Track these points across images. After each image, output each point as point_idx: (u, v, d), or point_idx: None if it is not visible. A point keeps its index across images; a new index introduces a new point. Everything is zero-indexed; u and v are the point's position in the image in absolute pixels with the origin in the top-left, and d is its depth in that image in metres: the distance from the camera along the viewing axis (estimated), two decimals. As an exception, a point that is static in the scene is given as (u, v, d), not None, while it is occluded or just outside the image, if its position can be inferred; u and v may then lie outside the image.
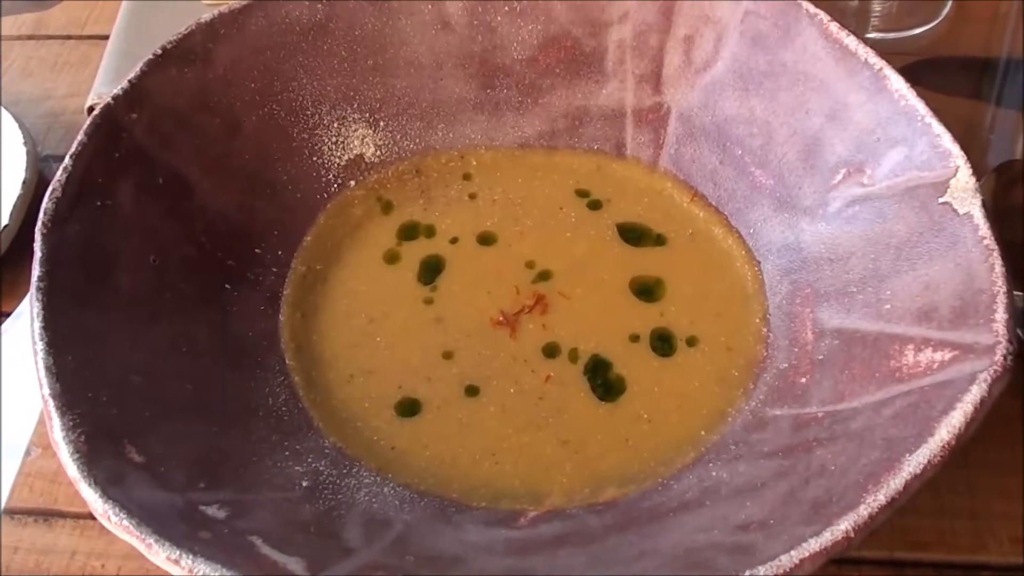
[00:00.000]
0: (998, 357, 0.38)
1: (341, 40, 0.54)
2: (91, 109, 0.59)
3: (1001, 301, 0.40)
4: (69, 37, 0.68)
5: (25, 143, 0.57)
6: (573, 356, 0.49)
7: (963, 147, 0.44)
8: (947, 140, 0.44)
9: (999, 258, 0.41)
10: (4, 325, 0.53)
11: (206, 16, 0.52)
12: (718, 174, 0.54)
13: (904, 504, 0.35)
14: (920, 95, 0.46)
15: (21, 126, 0.58)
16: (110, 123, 0.48)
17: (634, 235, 0.54)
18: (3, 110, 0.59)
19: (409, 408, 0.47)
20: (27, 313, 0.49)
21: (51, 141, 0.61)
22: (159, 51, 0.50)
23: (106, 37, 0.64)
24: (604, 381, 0.48)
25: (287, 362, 0.49)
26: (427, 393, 0.48)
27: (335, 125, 0.55)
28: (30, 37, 0.68)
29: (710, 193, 0.54)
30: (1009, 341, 0.38)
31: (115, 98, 0.48)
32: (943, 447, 0.36)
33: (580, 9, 0.55)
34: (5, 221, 0.54)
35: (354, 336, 0.50)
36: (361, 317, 0.51)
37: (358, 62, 0.55)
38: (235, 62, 0.52)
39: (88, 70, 0.64)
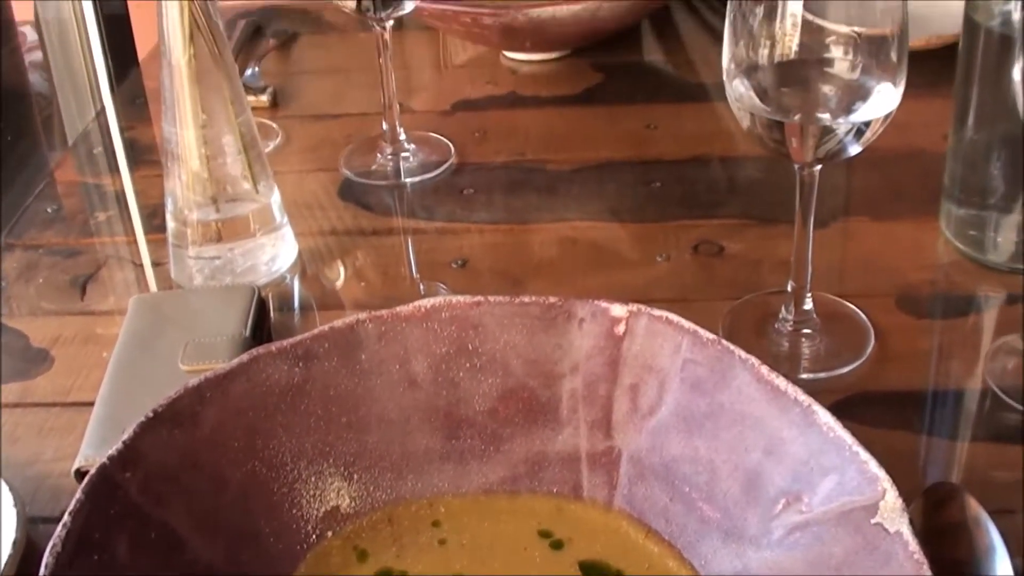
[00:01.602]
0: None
1: (317, 400, 0.59)
2: (78, 472, 0.62)
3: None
4: (54, 404, 0.73)
5: (15, 504, 0.60)
6: None
7: (894, 472, 0.49)
8: (874, 466, 0.49)
9: (929, 570, 0.45)
10: None
11: (193, 381, 0.57)
12: (669, 510, 0.58)
13: None
14: (849, 427, 0.51)
15: (12, 489, 0.61)
16: (106, 482, 0.51)
17: (595, 572, 0.57)
18: (-5, 476, 0.62)
19: None
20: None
21: (38, 503, 0.64)
22: (150, 414, 0.55)
23: (90, 404, 0.68)
24: None
25: None
26: None
27: (312, 479, 0.59)
28: (16, 405, 0.73)
29: (663, 529, 0.58)
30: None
31: (110, 458, 0.52)
32: None
33: (535, 363, 0.60)
34: (-6, 581, 0.56)
35: None
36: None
37: (333, 420, 0.59)
38: (220, 423, 0.56)
39: (73, 435, 0.68)
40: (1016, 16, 0.73)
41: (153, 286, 0.85)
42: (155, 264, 0.87)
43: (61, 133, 1.40)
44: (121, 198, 0.97)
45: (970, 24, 0.76)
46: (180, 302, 0.76)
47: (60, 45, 1.28)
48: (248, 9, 1.29)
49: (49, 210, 0.94)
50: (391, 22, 0.90)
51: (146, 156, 1.03)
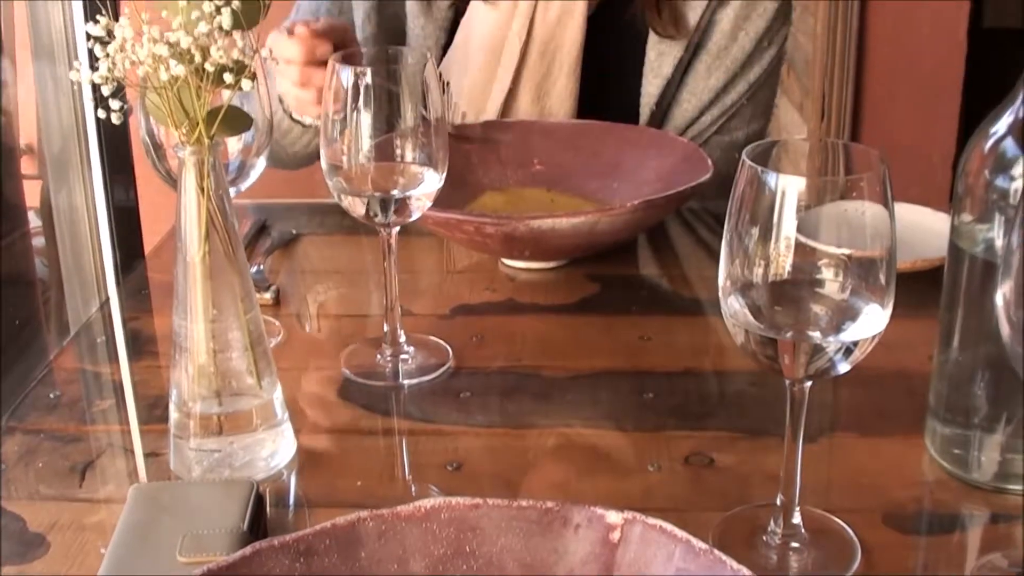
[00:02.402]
0: None
1: (314, 596, 0.60)
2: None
3: None
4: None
5: None
6: None
7: None
8: None
9: None
10: None
11: (196, 572, 0.57)
12: None
13: None
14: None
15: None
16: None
17: None
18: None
19: None
20: None
21: None
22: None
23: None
24: None
25: None
26: None
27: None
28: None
29: None
30: None
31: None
32: None
33: (530, 567, 0.61)
34: None
35: None
36: None
37: (328, 616, 0.60)
38: (218, 615, 0.57)
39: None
40: (999, 243, 0.76)
41: (147, 476, 0.86)
42: (154, 454, 0.88)
43: (63, 320, 1.43)
44: (119, 388, 0.99)
45: (955, 250, 0.79)
46: (179, 493, 0.77)
47: (70, 234, 1.31)
48: (255, 207, 1.33)
49: (51, 396, 0.96)
50: (397, 228, 0.94)
51: (148, 347, 1.05)
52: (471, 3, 1.36)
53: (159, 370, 1.00)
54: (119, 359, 1.04)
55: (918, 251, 1.05)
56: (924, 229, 1.08)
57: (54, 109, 1.30)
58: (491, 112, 1.36)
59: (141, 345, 1.06)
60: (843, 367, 0.67)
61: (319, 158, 0.92)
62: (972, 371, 0.80)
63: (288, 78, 1.18)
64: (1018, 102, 0.79)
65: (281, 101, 1.25)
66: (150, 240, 1.36)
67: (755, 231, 0.66)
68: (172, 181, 0.87)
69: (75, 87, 1.27)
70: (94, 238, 1.31)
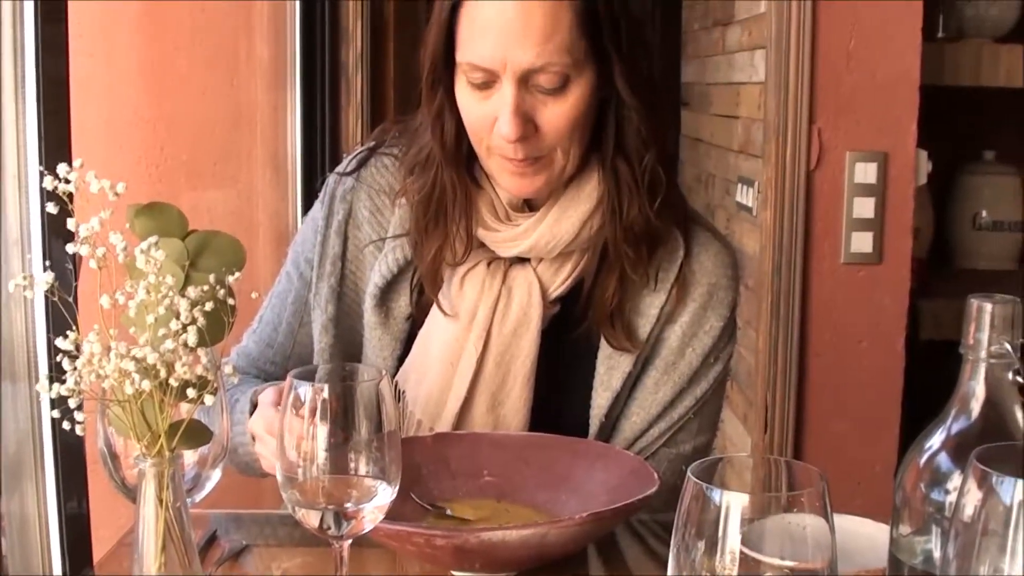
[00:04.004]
0: None
1: None
2: None
3: None
4: None
5: None
6: None
7: None
8: None
9: None
10: None
11: None
12: None
13: None
14: None
15: None
16: None
17: None
18: None
19: None
20: None
21: None
22: None
23: None
24: None
25: None
26: None
27: None
28: None
29: None
30: None
31: None
32: None
33: None
34: None
35: None
36: None
37: None
38: None
39: None
40: (937, 555, 0.78)
41: None
42: None
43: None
44: None
45: (895, 561, 0.81)
46: None
47: (20, 542, 1.30)
48: (204, 517, 1.33)
49: None
50: (349, 540, 0.94)
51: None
52: (429, 315, 1.41)
53: None
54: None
55: (860, 561, 1.06)
56: (866, 539, 1.10)
57: (11, 415, 1.31)
58: (447, 420, 1.39)
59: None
60: None
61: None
62: None
63: (270, 448, 1.21)
64: (951, 418, 0.83)
65: (253, 437, 1.27)
66: (100, 547, 1.34)
67: (701, 544, 0.68)
68: (127, 491, 0.88)
69: (34, 395, 1.29)
70: (44, 547, 1.30)
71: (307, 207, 1.67)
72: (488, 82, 1.27)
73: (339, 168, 1.48)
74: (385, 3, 3.08)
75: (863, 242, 2.21)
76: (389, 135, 1.47)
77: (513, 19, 1.24)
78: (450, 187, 1.37)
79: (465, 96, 1.30)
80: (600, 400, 1.40)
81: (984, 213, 2.60)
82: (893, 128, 2.19)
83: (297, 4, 2.79)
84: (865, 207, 2.20)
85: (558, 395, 1.42)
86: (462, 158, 1.37)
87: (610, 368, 1.40)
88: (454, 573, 1.18)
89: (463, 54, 1.28)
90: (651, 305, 1.39)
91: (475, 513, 1.25)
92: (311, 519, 0.93)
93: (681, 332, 1.40)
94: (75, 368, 0.75)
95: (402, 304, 1.42)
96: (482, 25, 1.25)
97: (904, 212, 2.22)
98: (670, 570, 0.70)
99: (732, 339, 1.45)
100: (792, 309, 2.23)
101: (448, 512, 1.25)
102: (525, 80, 1.25)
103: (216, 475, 1.01)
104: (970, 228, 2.61)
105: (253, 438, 1.28)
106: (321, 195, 1.47)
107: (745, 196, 2.53)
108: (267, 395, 1.26)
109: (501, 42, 1.24)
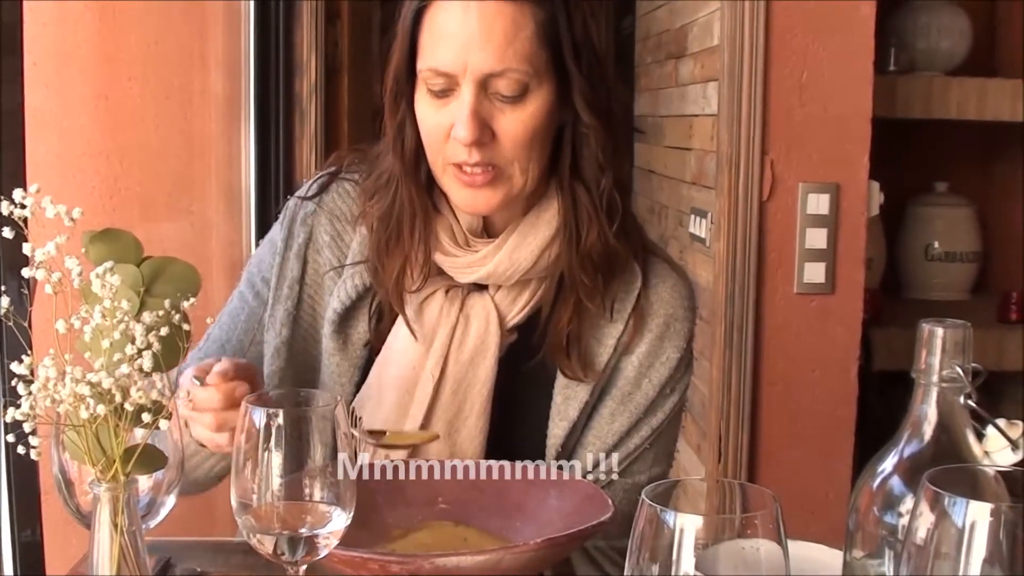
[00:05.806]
0: None
1: None
2: None
3: None
4: None
5: None
6: None
7: None
8: None
9: None
10: None
11: None
12: None
13: None
14: None
15: None
16: None
17: None
18: None
19: None
20: None
21: None
22: None
23: None
24: None
25: None
26: None
27: None
28: None
29: None
30: None
31: None
32: None
33: None
34: None
35: None
36: None
37: None
38: None
39: None
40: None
41: None
42: None
43: None
44: None
45: (848, 587, 0.82)
46: None
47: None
48: (157, 544, 1.31)
49: None
50: (304, 566, 0.94)
51: None
52: (387, 342, 1.41)
53: None
54: None
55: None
56: (821, 566, 1.11)
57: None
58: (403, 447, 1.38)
59: None
60: None
61: (219, 481, 0.94)
62: None
63: (203, 424, 1.20)
64: (903, 441, 0.84)
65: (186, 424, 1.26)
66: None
67: (655, 568, 0.69)
68: (82, 517, 0.87)
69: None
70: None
71: (261, 238, 1.66)
72: (448, 89, 1.28)
73: (300, 192, 1.48)
74: (340, 35, 3.08)
75: (816, 272, 2.24)
76: (346, 161, 1.48)
77: (475, 23, 1.25)
78: (408, 205, 1.37)
79: (424, 105, 1.31)
80: (556, 430, 1.40)
81: (936, 244, 2.63)
82: (845, 160, 2.22)
83: (251, 36, 2.79)
84: (818, 238, 2.22)
85: (514, 424, 1.42)
86: (421, 176, 1.37)
87: (567, 398, 1.40)
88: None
89: (424, 60, 1.29)
90: (608, 335, 1.40)
91: (432, 536, 1.25)
92: (266, 544, 0.93)
93: (638, 363, 1.41)
94: (30, 393, 0.75)
95: (360, 331, 1.41)
96: (443, 29, 1.27)
97: (856, 243, 2.25)
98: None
99: (688, 370, 1.46)
100: (745, 339, 2.25)
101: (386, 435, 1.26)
102: (484, 86, 1.26)
103: (171, 501, 1.00)
104: (923, 259, 2.65)
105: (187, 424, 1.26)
106: (281, 217, 1.46)
107: (698, 227, 2.55)
108: (185, 376, 1.23)
109: (462, 46, 1.25)
